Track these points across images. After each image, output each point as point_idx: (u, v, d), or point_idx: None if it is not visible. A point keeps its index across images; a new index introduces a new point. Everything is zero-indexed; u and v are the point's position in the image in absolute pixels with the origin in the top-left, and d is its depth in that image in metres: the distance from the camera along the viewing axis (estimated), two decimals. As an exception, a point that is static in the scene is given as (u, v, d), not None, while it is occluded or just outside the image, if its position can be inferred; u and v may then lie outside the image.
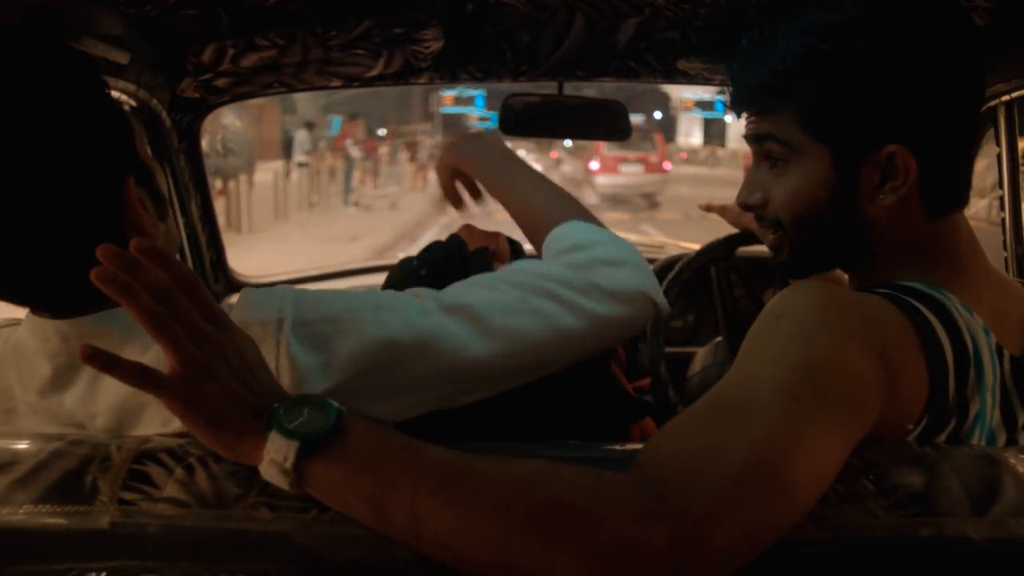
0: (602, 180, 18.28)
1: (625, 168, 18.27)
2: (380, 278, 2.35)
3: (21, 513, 0.68)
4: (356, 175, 18.69)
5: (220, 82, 1.63)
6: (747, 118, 0.93)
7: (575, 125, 1.83)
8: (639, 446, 0.70)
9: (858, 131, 0.84)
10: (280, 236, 11.58)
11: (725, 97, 0.96)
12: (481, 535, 0.61)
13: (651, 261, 2.31)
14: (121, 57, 1.38)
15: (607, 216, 15.40)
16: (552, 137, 1.88)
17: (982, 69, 0.85)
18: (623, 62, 1.69)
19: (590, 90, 1.95)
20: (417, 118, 34.86)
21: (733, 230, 1.75)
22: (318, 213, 14.96)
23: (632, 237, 3.04)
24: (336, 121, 22.72)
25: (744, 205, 0.96)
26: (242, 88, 1.68)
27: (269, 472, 0.66)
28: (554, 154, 21.35)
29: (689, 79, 1.76)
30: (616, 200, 17.76)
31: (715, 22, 1.50)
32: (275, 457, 0.65)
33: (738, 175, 26.95)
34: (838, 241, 0.90)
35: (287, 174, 14.64)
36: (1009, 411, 0.80)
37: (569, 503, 0.61)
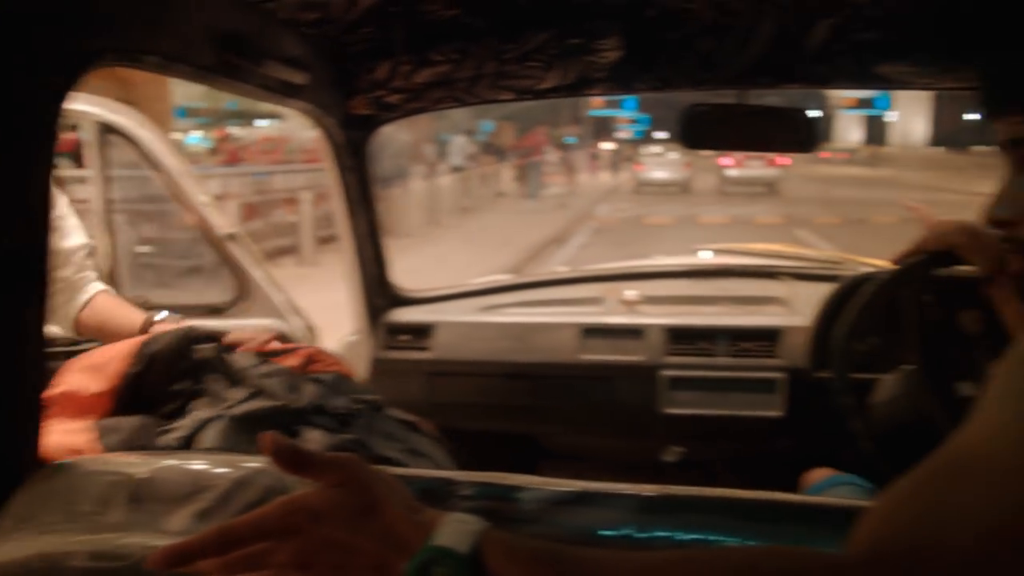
0: (732, 173, 22.94)
1: (749, 163, 22.47)
2: (537, 294, 2.33)
3: None
4: (506, 179, 19.22)
5: (392, 98, 1.62)
6: (1006, 120, 0.81)
7: (756, 136, 1.71)
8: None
9: None
10: (434, 241, 11.84)
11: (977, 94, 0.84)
12: None
13: (829, 279, 2.16)
14: (300, 78, 1.39)
15: (760, 220, 15.04)
16: (732, 150, 1.78)
17: None
18: (812, 68, 1.57)
19: (772, 97, 1.82)
20: (565, 121, 35.03)
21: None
22: (471, 217, 15.21)
23: (809, 252, 2.87)
24: (487, 126, 23.19)
25: (996, 221, 0.84)
26: (414, 104, 1.67)
27: None
28: (718, 160, 23.19)
29: (887, 83, 1.62)
30: (742, 185, 22.62)
31: (924, 21, 1.36)
32: None
33: (902, 176, 25.66)
34: None
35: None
36: None
37: None
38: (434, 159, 18.47)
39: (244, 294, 2.15)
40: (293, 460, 0.65)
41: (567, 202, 18.16)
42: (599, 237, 13.13)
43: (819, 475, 1.68)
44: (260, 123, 23.18)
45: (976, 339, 1.65)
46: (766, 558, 0.59)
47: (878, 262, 2.19)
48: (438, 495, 0.81)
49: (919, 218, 1.68)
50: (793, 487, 1.68)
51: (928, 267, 1.63)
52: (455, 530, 0.60)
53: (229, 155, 16.30)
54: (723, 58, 1.55)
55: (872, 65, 1.52)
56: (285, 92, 1.43)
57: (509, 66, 1.51)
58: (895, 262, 1.70)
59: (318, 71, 1.48)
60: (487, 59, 1.48)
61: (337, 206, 1.93)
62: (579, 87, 1.61)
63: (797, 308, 2.19)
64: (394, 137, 13.08)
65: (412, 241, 11.39)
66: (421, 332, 2.18)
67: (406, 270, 2.45)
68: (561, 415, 2.17)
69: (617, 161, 29.11)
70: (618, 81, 1.61)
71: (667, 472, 2.15)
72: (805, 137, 1.73)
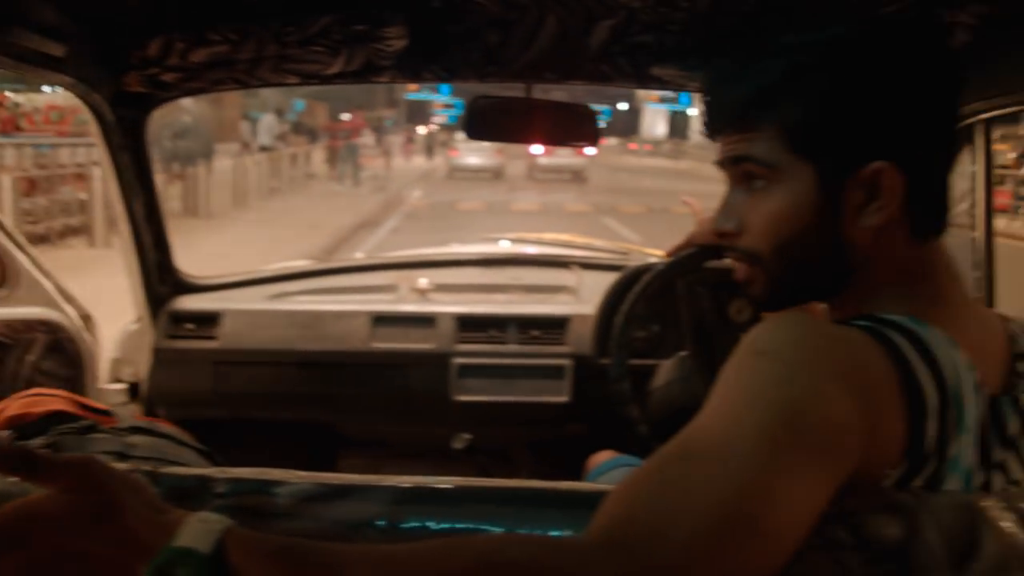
0: (542, 160, 24.20)
1: (559, 151, 22.76)
2: (328, 281, 2.29)
3: None
4: (317, 160, 18.85)
5: (167, 77, 1.54)
6: (723, 139, 0.87)
7: (542, 130, 1.76)
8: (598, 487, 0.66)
9: (845, 147, 0.80)
10: (239, 223, 11.38)
11: (700, 113, 0.90)
12: None
13: (616, 268, 2.26)
14: (56, 49, 1.29)
15: (569, 208, 15.50)
16: (517, 142, 1.81)
17: (959, 85, 0.84)
18: (595, 66, 1.63)
19: (560, 92, 1.87)
20: (381, 102, 34.65)
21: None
22: (279, 199, 14.73)
23: (599, 243, 2.99)
24: (299, 104, 22.56)
25: (720, 233, 0.91)
26: (192, 83, 1.59)
27: None
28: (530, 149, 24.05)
29: (662, 84, 1.71)
30: (551, 173, 24.06)
31: (694, 27, 1.44)
32: None
33: (700, 168, 27.23)
34: (818, 270, 0.85)
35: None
36: (986, 451, 0.76)
37: None
38: (247, 137, 17.76)
39: (6, 281, 1.98)
40: (20, 463, 0.59)
41: (380, 185, 18.01)
42: (411, 222, 13.06)
43: (602, 457, 1.76)
44: (47, 89, 21.31)
45: (743, 326, 1.78)
46: (506, 544, 0.61)
47: (661, 253, 2.30)
48: (191, 494, 0.78)
49: (692, 213, 1.78)
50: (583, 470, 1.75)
51: (699, 259, 1.74)
52: (197, 530, 0.58)
53: (3, 123, 14.90)
54: (509, 52, 1.58)
55: (647, 67, 1.60)
56: (41, 64, 1.32)
57: (292, 49, 1.46)
58: (668, 254, 1.81)
59: (80, 43, 1.38)
60: (268, 41, 1.43)
61: (112, 188, 1.81)
62: (365, 74, 1.59)
63: (585, 297, 2.28)
64: (199, 113, 12.44)
65: (217, 223, 10.89)
66: (207, 320, 2.10)
67: (210, 254, 2.35)
68: (355, 403, 2.16)
69: (432, 145, 29.24)
70: (404, 69, 1.60)
71: (463, 458, 2.19)
72: (589, 131, 1.79)
